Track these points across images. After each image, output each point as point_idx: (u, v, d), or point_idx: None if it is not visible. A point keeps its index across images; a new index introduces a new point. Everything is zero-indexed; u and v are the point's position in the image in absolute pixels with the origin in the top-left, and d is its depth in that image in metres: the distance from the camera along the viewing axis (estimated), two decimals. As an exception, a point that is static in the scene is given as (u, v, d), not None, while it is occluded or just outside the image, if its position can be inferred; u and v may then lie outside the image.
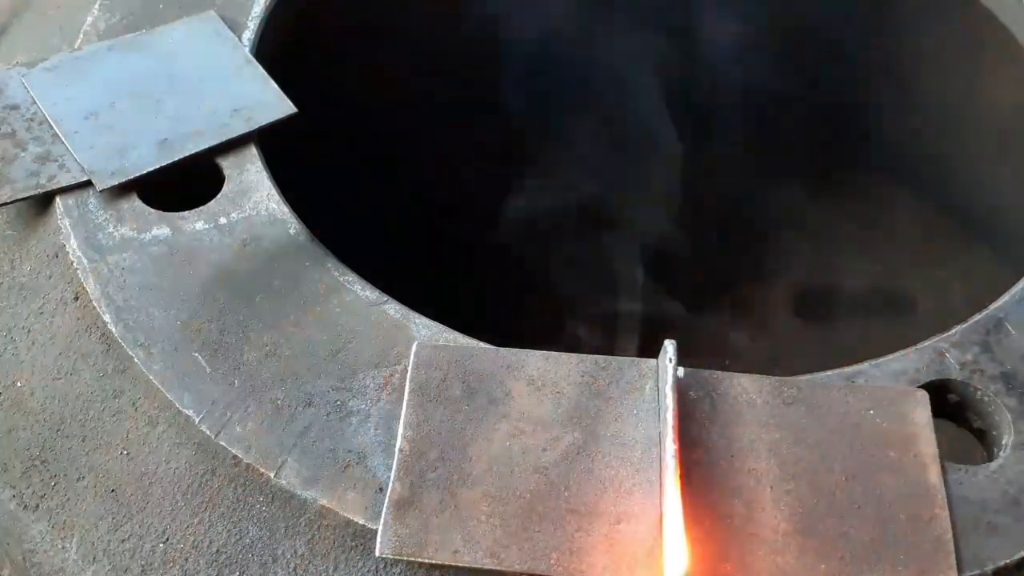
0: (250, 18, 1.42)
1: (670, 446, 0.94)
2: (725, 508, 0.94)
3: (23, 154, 1.23)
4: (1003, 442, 1.01)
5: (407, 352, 1.05)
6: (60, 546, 1.00)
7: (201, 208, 1.19)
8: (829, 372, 1.05)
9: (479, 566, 0.91)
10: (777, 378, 1.03)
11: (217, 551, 0.97)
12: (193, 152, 1.24)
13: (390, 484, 0.95)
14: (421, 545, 0.91)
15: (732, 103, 2.02)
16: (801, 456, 0.97)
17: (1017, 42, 1.51)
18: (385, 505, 0.94)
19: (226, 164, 1.25)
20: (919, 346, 1.07)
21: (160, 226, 1.18)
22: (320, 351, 1.06)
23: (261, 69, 1.34)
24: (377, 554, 0.92)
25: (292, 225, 1.18)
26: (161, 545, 0.98)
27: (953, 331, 1.08)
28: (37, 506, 1.03)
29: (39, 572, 1.02)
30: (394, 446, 0.98)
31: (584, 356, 1.05)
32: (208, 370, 1.05)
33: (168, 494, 1.00)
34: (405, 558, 0.92)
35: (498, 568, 0.91)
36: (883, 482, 0.95)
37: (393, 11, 1.83)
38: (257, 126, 1.27)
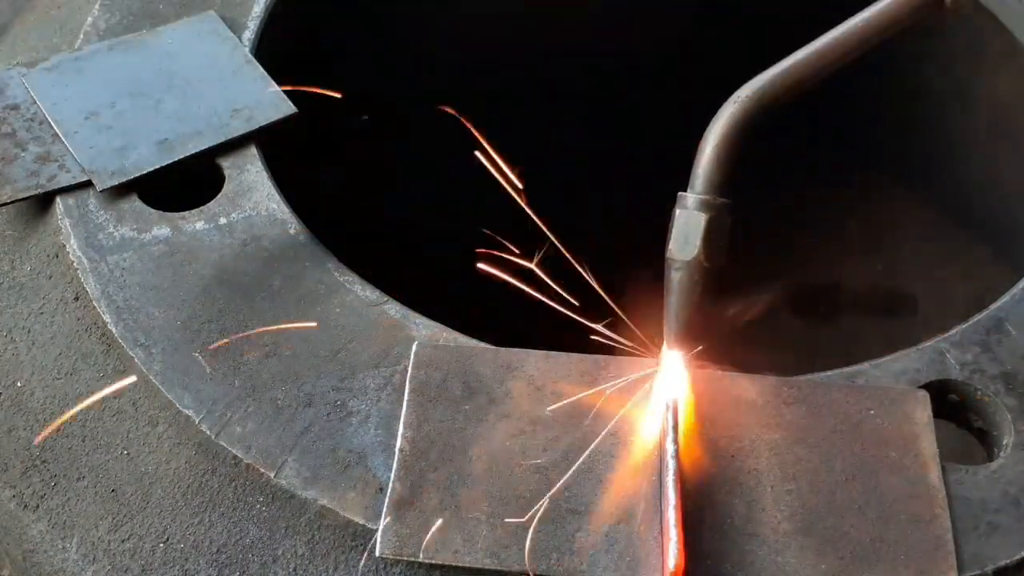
0: (250, 18, 1.42)
1: (670, 446, 0.94)
2: (725, 508, 0.94)
3: (23, 154, 1.23)
4: (1003, 442, 1.01)
5: (407, 352, 1.05)
6: (60, 546, 1.00)
7: (201, 208, 1.19)
8: (829, 372, 1.05)
9: (479, 566, 0.91)
10: (777, 378, 1.03)
11: (217, 551, 0.97)
12: (193, 152, 1.24)
13: (390, 484, 0.95)
14: (421, 545, 0.91)
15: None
16: (801, 456, 0.97)
17: (1017, 42, 1.51)
18: (385, 505, 0.94)
19: (226, 164, 1.24)
20: (919, 346, 1.07)
21: (160, 226, 1.18)
22: (320, 351, 1.06)
23: (261, 69, 1.34)
24: (377, 554, 0.92)
25: (292, 225, 1.18)
26: (161, 545, 0.98)
27: (953, 331, 1.08)
28: (37, 506, 1.03)
29: (39, 572, 1.02)
30: (394, 446, 0.98)
31: (584, 356, 1.04)
32: (208, 370, 1.05)
33: (168, 494, 1.00)
34: (405, 558, 0.92)
35: (498, 568, 0.91)
36: (883, 482, 0.95)
37: (394, 10, 1.83)
38: (257, 126, 1.27)
